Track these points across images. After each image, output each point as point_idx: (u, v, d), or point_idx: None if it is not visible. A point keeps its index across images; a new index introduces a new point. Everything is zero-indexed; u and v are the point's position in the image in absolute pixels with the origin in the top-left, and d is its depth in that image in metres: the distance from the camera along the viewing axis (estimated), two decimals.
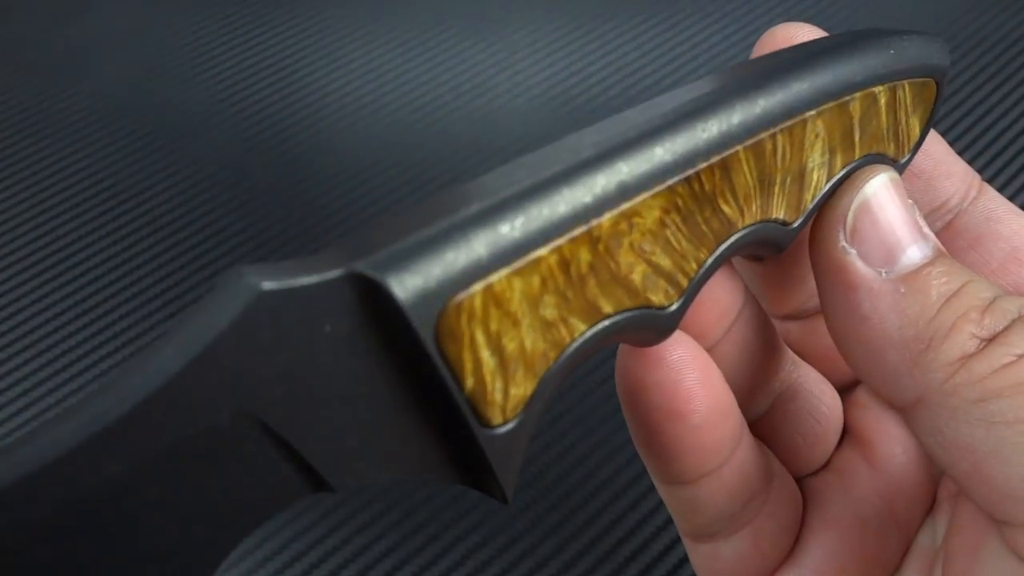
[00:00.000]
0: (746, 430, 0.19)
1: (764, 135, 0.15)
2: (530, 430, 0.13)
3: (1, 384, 0.35)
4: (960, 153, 0.42)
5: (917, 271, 0.15)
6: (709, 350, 0.19)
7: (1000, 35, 0.48)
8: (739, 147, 0.15)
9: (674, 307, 0.15)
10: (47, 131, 0.46)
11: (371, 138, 0.45)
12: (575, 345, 0.14)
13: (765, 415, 0.21)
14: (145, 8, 0.53)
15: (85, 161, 0.44)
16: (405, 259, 0.12)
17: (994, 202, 0.19)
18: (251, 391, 0.11)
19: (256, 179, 0.43)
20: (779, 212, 0.16)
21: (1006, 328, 0.15)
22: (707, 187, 0.15)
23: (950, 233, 0.19)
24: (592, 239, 0.13)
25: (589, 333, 0.14)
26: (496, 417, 0.13)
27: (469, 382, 0.12)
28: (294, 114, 0.46)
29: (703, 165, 0.14)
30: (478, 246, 0.12)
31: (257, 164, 0.44)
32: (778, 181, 0.16)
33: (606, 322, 0.14)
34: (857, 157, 0.17)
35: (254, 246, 0.40)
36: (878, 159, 0.17)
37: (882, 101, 0.17)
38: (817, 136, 0.16)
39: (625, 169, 0.14)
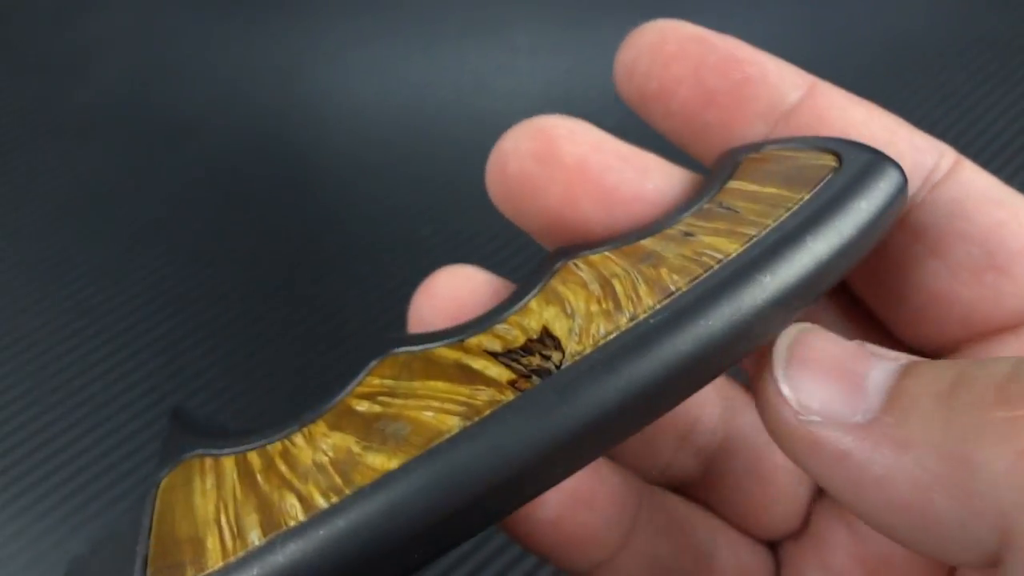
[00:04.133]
0: (650, 507, 0.17)
1: None
2: None
3: (1, 384, 0.35)
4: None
5: (896, 387, 0.12)
6: None
7: (1000, 35, 0.48)
8: None
9: None
10: (47, 131, 0.46)
11: (371, 138, 0.45)
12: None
13: (702, 478, 0.18)
14: (145, 8, 0.53)
15: (85, 161, 0.44)
16: None
17: (961, 187, 0.15)
18: None
19: (256, 179, 0.43)
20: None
21: None
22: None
23: (904, 233, 0.15)
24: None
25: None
26: None
27: None
28: (293, 115, 0.46)
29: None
30: None
31: (257, 164, 0.44)
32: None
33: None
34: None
35: (254, 246, 0.40)
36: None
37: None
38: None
39: None
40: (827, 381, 0.12)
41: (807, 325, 0.13)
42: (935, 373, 0.11)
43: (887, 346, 0.13)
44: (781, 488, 0.17)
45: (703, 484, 0.18)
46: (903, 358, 0.12)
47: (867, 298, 0.16)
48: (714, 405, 0.18)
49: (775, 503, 0.17)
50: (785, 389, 0.12)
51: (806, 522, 0.18)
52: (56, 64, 0.49)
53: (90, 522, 0.31)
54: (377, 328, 0.36)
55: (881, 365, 0.12)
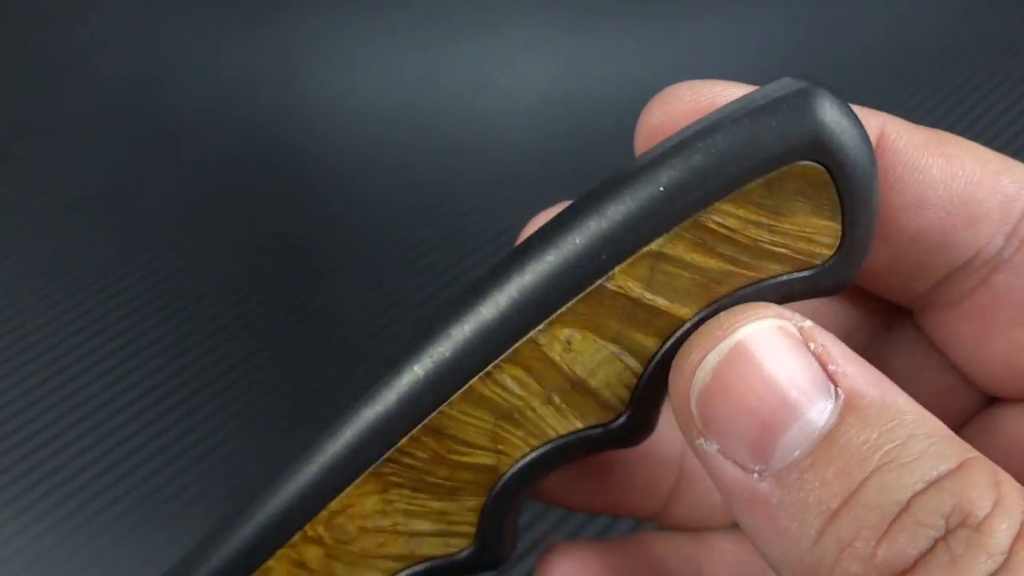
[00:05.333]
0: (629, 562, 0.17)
1: (474, 381, 0.13)
2: None
3: (1, 384, 0.35)
4: None
5: (795, 466, 0.11)
6: None
7: (1000, 35, 0.48)
8: (442, 407, 0.13)
9: (469, 550, 0.14)
10: (47, 131, 0.46)
11: (371, 138, 0.45)
12: None
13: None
14: (145, 8, 0.53)
15: (85, 161, 0.44)
16: None
17: None
18: None
19: (256, 179, 0.43)
20: (580, 420, 0.13)
21: (916, 562, 0.10)
22: (423, 455, 0.14)
23: (989, 296, 0.13)
24: (315, 539, 0.14)
25: None
26: None
27: None
28: (294, 114, 0.46)
29: (403, 441, 0.14)
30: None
31: (257, 164, 0.44)
32: (536, 405, 0.13)
33: None
34: (703, 307, 0.12)
35: (253, 246, 0.40)
36: (760, 287, 0.12)
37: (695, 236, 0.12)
38: (569, 341, 0.13)
39: (302, 482, 0.15)
40: (742, 417, 0.11)
41: (765, 321, 0.11)
42: (833, 476, 0.10)
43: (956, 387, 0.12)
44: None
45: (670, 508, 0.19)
46: (840, 391, 0.11)
47: (947, 348, 0.15)
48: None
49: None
50: (694, 403, 0.11)
51: None
52: (56, 64, 0.49)
53: (90, 522, 0.31)
54: (376, 328, 0.36)
55: (805, 420, 0.11)
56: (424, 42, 0.49)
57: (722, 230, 0.12)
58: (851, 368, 0.11)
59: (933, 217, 0.13)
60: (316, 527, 0.14)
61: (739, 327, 0.11)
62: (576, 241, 0.12)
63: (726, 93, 0.14)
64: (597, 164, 0.42)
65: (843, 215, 0.12)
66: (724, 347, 0.11)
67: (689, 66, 0.47)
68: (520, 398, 0.13)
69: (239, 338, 0.36)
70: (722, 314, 0.12)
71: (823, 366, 0.11)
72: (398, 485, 0.14)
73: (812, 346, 0.11)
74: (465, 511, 0.14)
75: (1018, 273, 0.13)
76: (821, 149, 0.12)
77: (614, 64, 0.47)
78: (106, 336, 0.37)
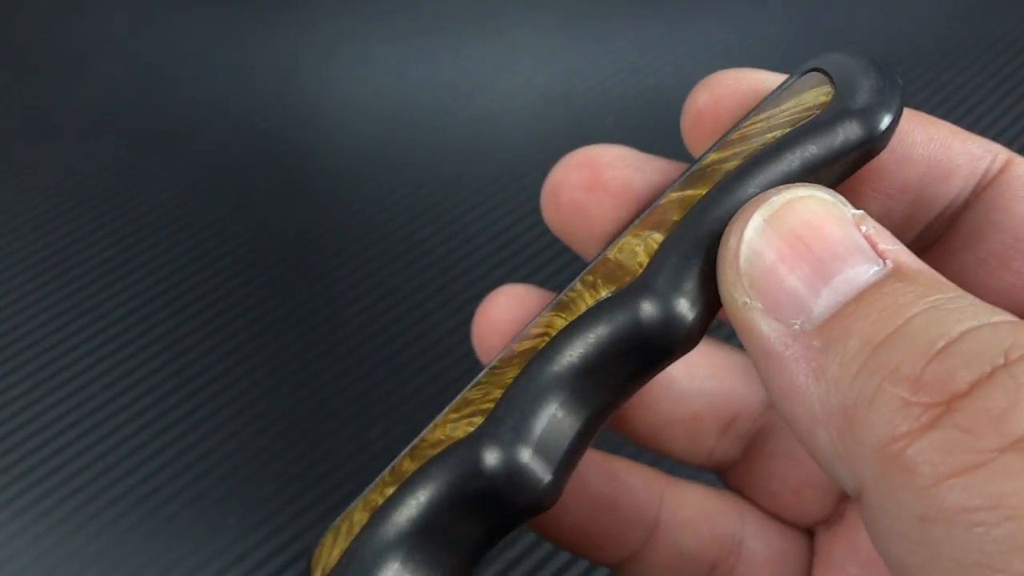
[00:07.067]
0: (673, 504, 0.17)
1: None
2: None
3: (1, 384, 0.35)
4: None
5: (839, 312, 0.11)
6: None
7: (1000, 35, 0.48)
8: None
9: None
10: (47, 131, 0.46)
11: (371, 138, 0.45)
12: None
13: (739, 462, 0.19)
14: (145, 8, 0.53)
15: (85, 161, 0.44)
16: None
17: (1005, 183, 0.15)
18: None
19: (256, 179, 0.43)
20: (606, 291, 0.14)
21: (972, 386, 0.09)
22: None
23: (953, 236, 0.15)
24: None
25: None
26: None
27: None
28: (293, 114, 0.46)
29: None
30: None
31: (257, 164, 0.44)
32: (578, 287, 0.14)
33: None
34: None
35: (253, 246, 0.40)
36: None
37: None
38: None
39: None
40: (787, 269, 0.11)
41: (816, 192, 0.12)
42: (878, 315, 0.10)
43: None
44: (813, 471, 0.18)
45: (741, 468, 0.19)
46: (888, 262, 0.11)
47: None
48: (756, 397, 0.18)
49: (807, 486, 0.18)
50: (743, 259, 0.12)
51: (839, 509, 0.18)
52: (55, 64, 0.49)
53: (90, 522, 0.31)
54: (376, 328, 0.36)
55: (852, 273, 0.11)
56: (424, 42, 0.49)
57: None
58: (900, 250, 0.11)
59: (915, 172, 0.15)
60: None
61: (792, 191, 0.12)
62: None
63: (765, 80, 0.16)
64: None
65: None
66: (777, 201, 0.12)
67: (689, 66, 0.47)
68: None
69: (239, 338, 0.36)
70: (774, 188, 0.12)
71: (873, 245, 0.11)
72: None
73: (863, 229, 0.11)
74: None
75: (973, 212, 0.15)
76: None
77: (614, 64, 0.47)
78: (106, 336, 0.37)
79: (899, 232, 0.15)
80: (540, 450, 0.13)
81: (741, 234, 0.12)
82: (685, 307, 0.13)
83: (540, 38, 0.49)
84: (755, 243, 0.12)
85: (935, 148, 0.15)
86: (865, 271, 0.11)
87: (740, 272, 0.12)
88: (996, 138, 0.42)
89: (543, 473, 0.13)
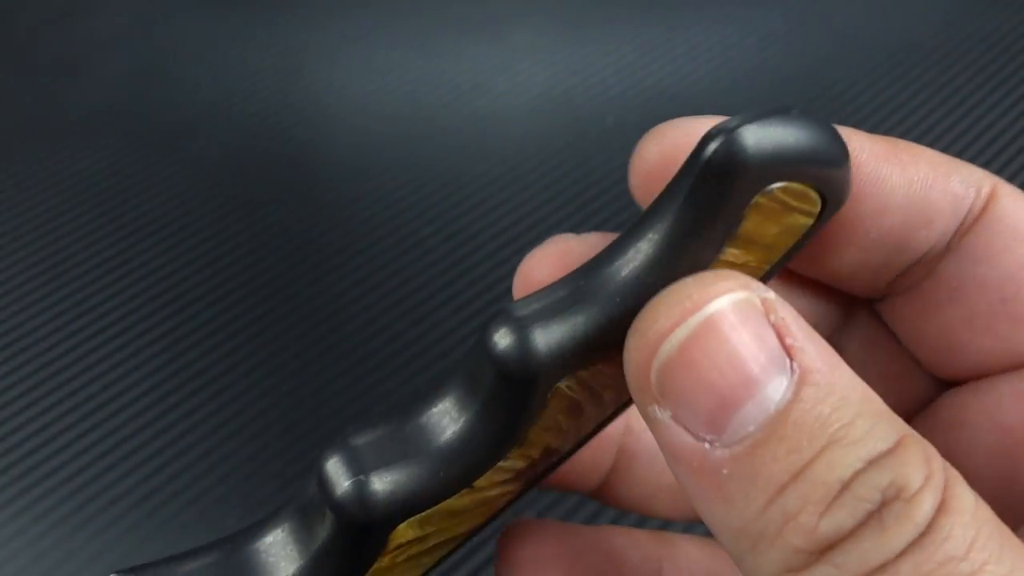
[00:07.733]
0: (671, 571, 0.18)
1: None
2: None
3: (1, 384, 0.35)
4: (959, 154, 0.42)
5: (749, 449, 0.11)
6: None
7: (1000, 35, 0.48)
8: None
9: None
10: (47, 131, 0.46)
11: (371, 138, 0.45)
12: None
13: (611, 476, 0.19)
14: (145, 8, 0.53)
15: (85, 161, 0.44)
16: None
17: (991, 233, 0.14)
18: None
19: (257, 178, 0.43)
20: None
21: (850, 532, 0.10)
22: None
23: (934, 284, 0.15)
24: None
25: None
26: None
27: None
28: (294, 114, 0.46)
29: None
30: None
31: (257, 164, 0.44)
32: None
33: None
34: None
35: (254, 246, 0.40)
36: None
37: None
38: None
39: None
40: (699, 393, 0.11)
41: (727, 296, 0.12)
42: (785, 454, 0.11)
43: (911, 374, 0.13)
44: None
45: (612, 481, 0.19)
46: (795, 367, 0.11)
47: (898, 332, 0.17)
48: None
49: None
50: (653, 376, 0.12)
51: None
52: (56, 65, 0.49)
53: (90, 522, 0.31)
54: (378, 326, 0.36)
55: (761, 397, 0.11)
56: (424, 42, 0.49)
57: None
58: (806, 342, 0.11)
59: (894, 221, 0.14)
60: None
61: (709, 301, 0.12)
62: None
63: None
64: (597, 162, 0.42)
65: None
66: (693, 321, 0.11)
67: (688, 66, 0.47)
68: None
69: (239, 338, 0.36)
70: (690, 281, 0.12)
71: (781, 339, 0.11)
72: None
73: (772, 318, 0.11)
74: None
75: (957, 260, 0.14)
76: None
77: (614, 64, 0.47)
78: (106, 336, 0.37)
79: (874, 278, 0.15)
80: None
81: (655, 349, 0.12)
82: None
83: (540, 38, 0.49)
84: (671, 361, 0.12)
85: (915, 192, 0.14)
86: (776, 388, 0.11)
87: (652, 383, 0.12)
88: (996, 138, 0.42)
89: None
